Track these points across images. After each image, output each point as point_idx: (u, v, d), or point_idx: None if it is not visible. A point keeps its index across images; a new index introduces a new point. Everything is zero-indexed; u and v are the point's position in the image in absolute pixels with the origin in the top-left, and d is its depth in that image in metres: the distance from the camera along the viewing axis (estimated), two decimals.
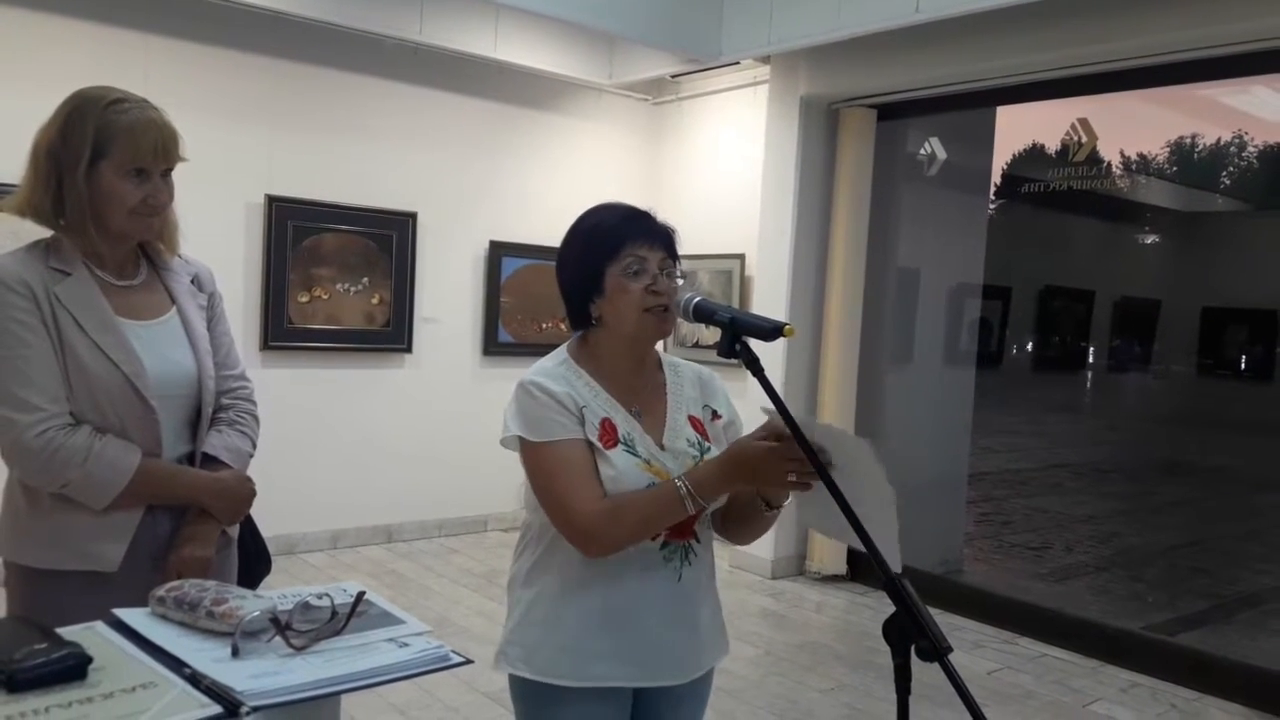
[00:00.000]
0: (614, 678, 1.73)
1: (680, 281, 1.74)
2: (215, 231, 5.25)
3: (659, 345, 1.86)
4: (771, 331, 1.56)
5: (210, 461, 1.91)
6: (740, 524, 1.84)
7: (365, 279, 5.89)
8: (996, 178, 6.72)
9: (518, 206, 6.48)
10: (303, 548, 5.77)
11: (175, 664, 1.25)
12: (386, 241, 5.94)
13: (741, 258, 6.27)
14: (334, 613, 1.38)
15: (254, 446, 2.02)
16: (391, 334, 6.03)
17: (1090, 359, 9.45)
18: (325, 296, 5.76)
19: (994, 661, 4.64)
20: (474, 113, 6.30)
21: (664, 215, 1.81)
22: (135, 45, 5.06)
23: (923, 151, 6.17)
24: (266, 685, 1.19)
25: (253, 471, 2.00)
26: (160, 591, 1.42)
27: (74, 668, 1.18)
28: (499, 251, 6.43)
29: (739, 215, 6.22)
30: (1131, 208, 8.38)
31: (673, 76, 6.72)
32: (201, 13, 5.17)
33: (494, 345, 6.46)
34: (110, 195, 1.76)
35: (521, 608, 1.79)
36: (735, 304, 6.08)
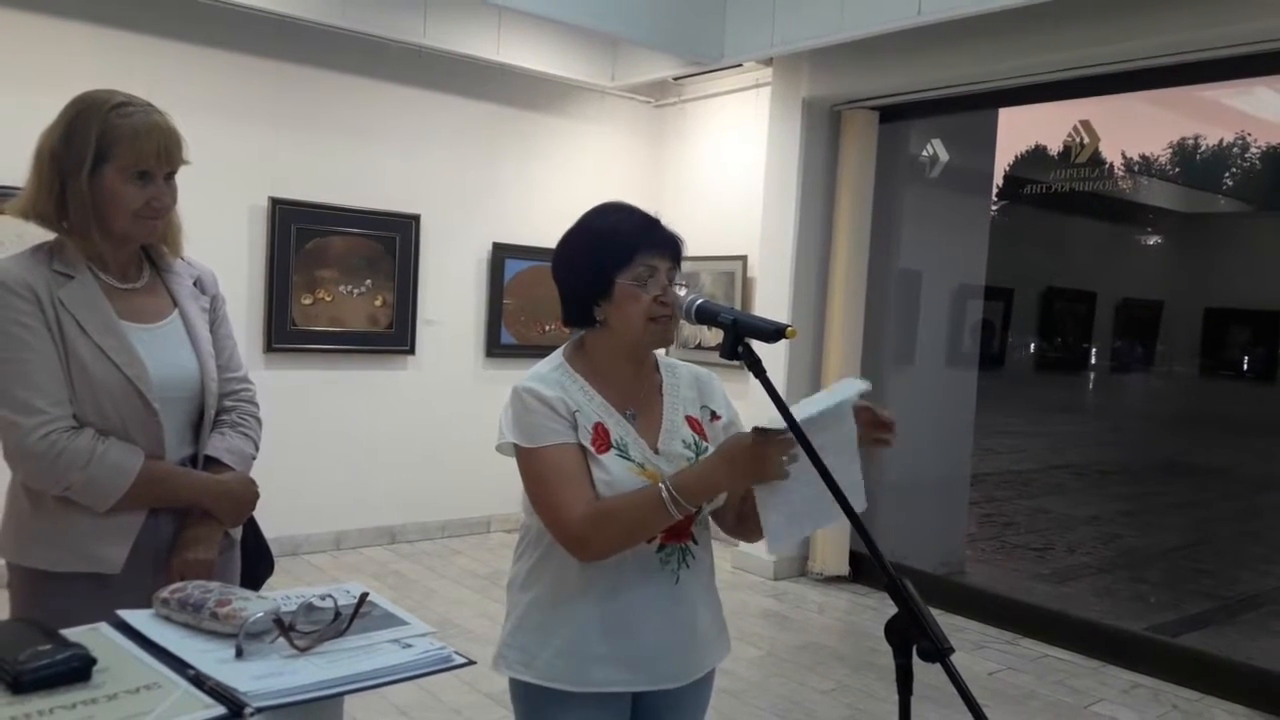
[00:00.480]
0: (613, 683, 1.73)
1: (683, 290, 1.74)
2: (219, 234, 5.26)
3: None
4: (773, 333, 1.56)
5: (213, 464, 1.92)
6: (746, 521, 1.82)
7: (368, 281, 5.90)
8: (999, 179, 6.72)
9: (521, 209, 6.48)
10: (306, 549, 5.78)
11: (179, 665, 1.26)
12: (390, 244, 5.95)
13: (744, 259, 6.28)
14: (337, 614, 1.38)
15: (256, 448, 2.02)
16: (394, 336, 6.04)
17: (1092, 360, 9.45)
18: (328, 298, 5.77)
19: (996, 662, 4.63)
20: (477, 115, 6.31)
21: (667, 217, 1.81)
22: (140, 48, 5.07)
23: (925, 153, 6.17)
24: (270, 686, 1.20)
25: (256, 473, 2.00)
26: (164, 593, 1.43)
27: (78, 669, 1.19)
28: (502, 253, 6.43)
29: (741, 217, 6.22)
30: (1134, 209, 8.38)
31: (675, 79, 6.73)
32: (206, 16, 5.18)
33: (497, 347, 6.46)
34: (113, 198, 1.76)
35: (520, 610, 1.80)
36: (737, 305, 6.09)
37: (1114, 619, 5.30)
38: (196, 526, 1.86)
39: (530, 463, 1.71)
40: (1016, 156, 6.96)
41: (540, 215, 6.40)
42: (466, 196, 6.31)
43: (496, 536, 6.42)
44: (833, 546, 5.70)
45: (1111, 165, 6.01)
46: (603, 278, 1.72)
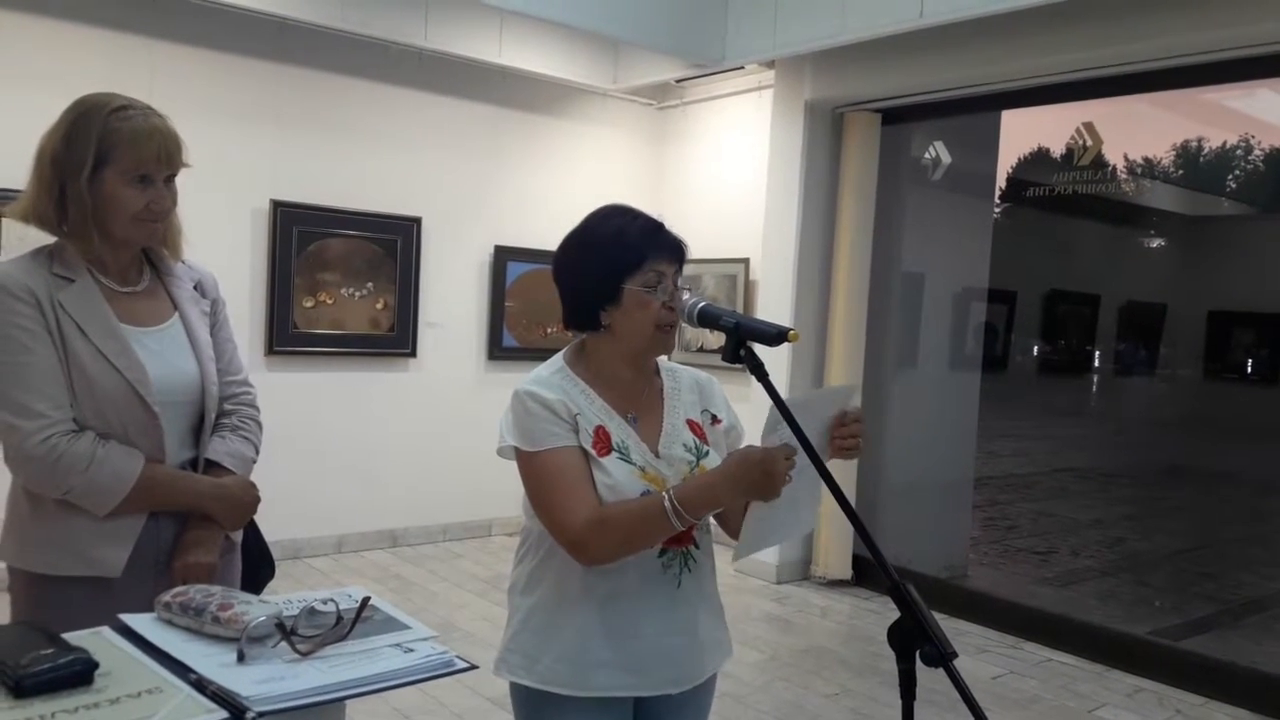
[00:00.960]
0: (614, 687, 1.73)
1: (686, 293, 1.74)
2: (221, 236, 5.26)
3: None
4: (776, 336, 1.56)
5: (213, 467, 1.91)
6: None
7: (370, 284, 5.90)
8: (1001, 182, 6.72)
9: (522, 211, 6.48)
10: (307, 552, 5.78)
11: (181, 669, 1.25)
12: (391, 246, 5.95)
13: (746, 262, 6.27)
14: (339, 618, 1.38)
15: (257, 452, 2.02)
16: (396, 339, 6.04)
17: (1096, 363, 9.44)
18: (330, 301, 5.77)
19: (999, 666, 4.63)
20: (479, 118, 6.31)
21: (669, 220, 1.81)
22: (141, 51, 5.08)
23: (927, 156, 6.17)
24: (272, 690, 1.19)
25: (257, 476, 2.00)
26: (166, 597, 1.43)
27: (80, 673, 1.19)
28: (504, 256, 6.43)
29: (744, 219, 6.22)
30: (1137, 212, 8.38)
31: (677, 81, 6.73)
32: (207, 18, 5.19)
33: (498, 350, 6.46)
34: (113, 202, 1.76)
35: (521, 614, 1.79)
36: (740, 308, 6.09)
37: (1118, 623, 5.29)
38: (197, 530, 1.86)
39: (531, 466, 1.70)
40: (1019, 159, 6.97)
41: (542, 218, 6.40)
42: (468, 199, 6.31)
43: (498, 539, 6.42)
44: (835, 550, 5.70)
45: (1114, 168, 6.01)
46: (611, 283, 1.71)
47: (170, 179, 1.83)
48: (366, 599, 1.45)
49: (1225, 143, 8.29)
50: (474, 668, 1.35)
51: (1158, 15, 4.26)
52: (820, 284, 5.82)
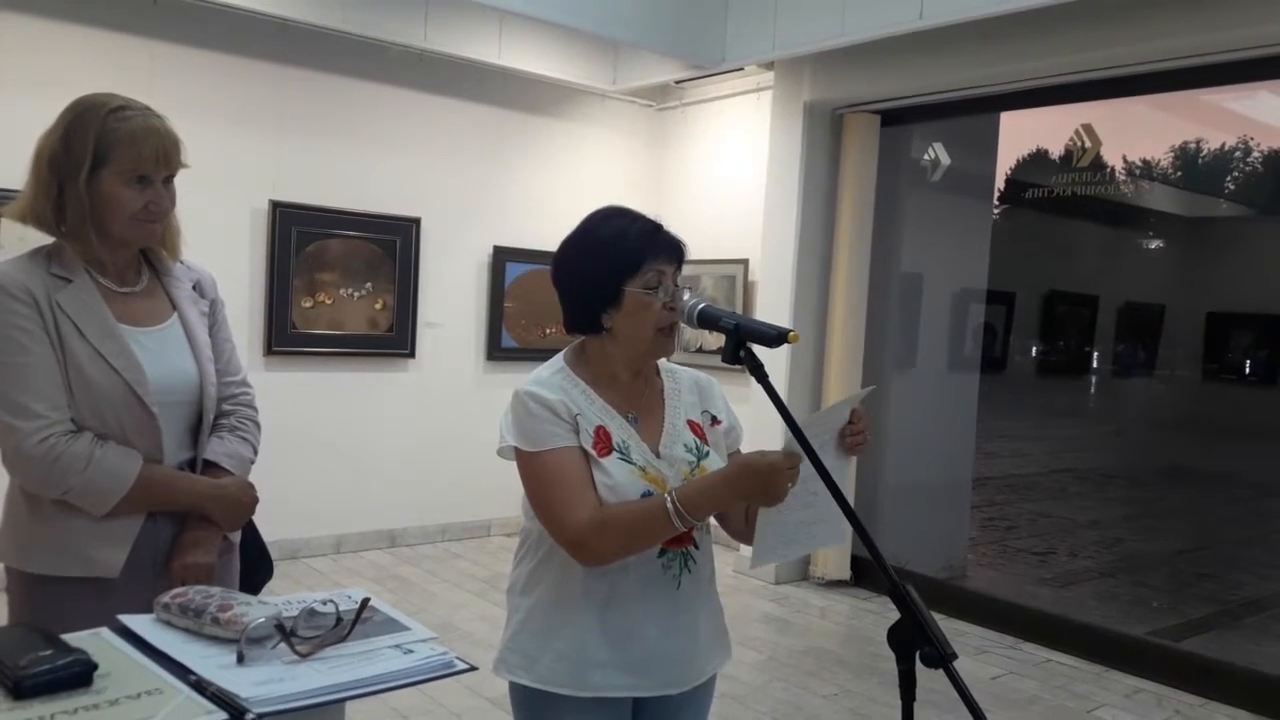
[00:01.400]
0: (614, 688, 1.73)
1: (686, 293, 1.74)
2: (220, 237, 5.26)
3: None
4: (775, 337, 1.56)
5: (212, 468, 1.91)
6: (753, 525, 1.82)
7: (369, 284, 5.90)
8: (1000, 183, 6.72)
9: (521, 212, 6.48)
10: (306, 553, 5.78)
11: (181, 670, 1.25)
12: (390, 247, 5.95)
13: (745, 263, 6.27)
14: (339, 619, 1.38)
15: (255, 452, 2.01)
16: (395, 339, 6.04)
17: (1094, 364, 9.44)
18: (329, 301, 5.77)
19: (998, 667, 4.63)
20: (478, 118, 6.31)
21: (668, 221, 1.81)
22: (140, 51, 5.07)
23: (926, 157, 6.17)
24: (272, 692, 1.19)
25: (255, 476, 2.00)
26: (165, 598, 1.42)
27: (80, 674, 1.18)
28: (503, 257, 6.43)
29: (743, 221, 6.22)
30: (1136, 213, 8.38)
31: (677, 82, 6.73)
32: (206, 19, 5.19)
33: (497, 350, 6.46)
34: (111, 202, 1.76)
35: (521, 614, 1.79)
36: (739, 309, 6.09)
37: (1116, 624, 5.29)
38: (195, 530, 1.85)
39: (532, 467, 1.70)
40: (1018, 160, 6.97)
41: (541, 219, 6.40)
42: (467, 200, 6.31)
43: (496, 540, 6.42)
44: (834, 551, 5.69)
45: (1113, 169, 6.01)
46: (611, 285, 1.71)
47: (169, 179, 1.83)
48: (366, 600, 1.44)
49: (1224, 144, 8.29)
50: (473, 669, 1.35)
51: (1157, 17, 4.26)
52: (819, 285, 5.82)
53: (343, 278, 5.81)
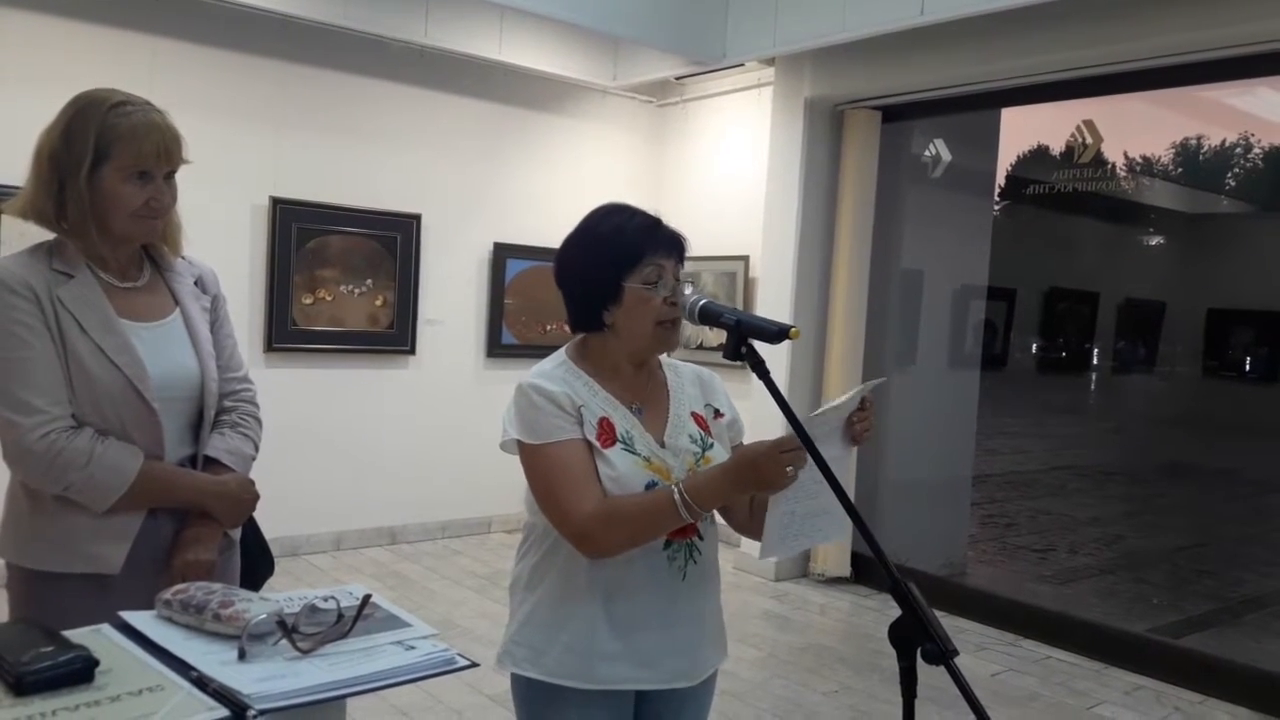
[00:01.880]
0: (621, 680, 1.73)
1: (688, 289, 1.74)
2: (220, 233, 5.25)
3: None
4: (776, 334, 1.56)
5: (212, 464, 1.91)
6: (757, 518, 1.81)
7: (369, 281, 5.90)
8: (1001, 179, 6.72)
9: (522, 208, 6.48)
10: (306, 549, 5.78)
11: (182, 667, 1.25)
12: (391, 243, 5.95)
13: (746, 259, 6.27)
14: (340, 615, 1.38)
15: (256, 449, 2.01)
16: (395, 336, 6.03)
17: (1095, 361, 9.43)
18: (329, 298, 5.77)
19: (998, 664, 4.63)
20: (478, 115, 6.31)
21: (668, 217, 1.81)
22: (141, 47, 5.07)
23: (927, 153, 6.17)
24: (273, 688, 1.19)
25: (256, 473, 2.00)
26: (166, 594, 1.42)
27: (81, 671, 1.18)
28: (503, 253, 6.43)
29: (743, 217, 6.21)
30: (1136, 209, 8.37)
31: (677, 78, 6.73)
32: (207, 15, 5.18)
33: (498, 347, 6.46)
34: (112, 198, 1.76)
35: (526, 609, 1.79)
36: (739, 306, 6.08)
37: (1116, 620, 5.29)
38: (196, 527, 1.85)
39: (536, 459, 1.70)
40: (1019, 156, 6.96)
41: (541, 215, 6.40)
42: (468, 196, 6.30)
43: (497, 537, 6.42)
44: (834, 548, 5.69)
45: (1114, 165, 6.00)
46: (611, 281, 1.71)
47: (170, 175, 1.83)
48: (367, 597, 1.44)
49: (1225, 140, 8.28)
50: (475, 665, 1.35)
51: (1158, 13, 4.26)
52: (820, 281, 5.82)
53: (343, 274, 5.80)
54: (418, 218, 6.03)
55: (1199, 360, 8.28)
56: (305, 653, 1.30)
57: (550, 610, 1.75)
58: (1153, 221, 8.77)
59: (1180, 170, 8.47)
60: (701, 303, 1.68)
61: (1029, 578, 6.60)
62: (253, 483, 1.96)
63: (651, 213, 1.79)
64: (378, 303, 5.95)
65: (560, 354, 1.82)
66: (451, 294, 6.27)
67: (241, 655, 1.27)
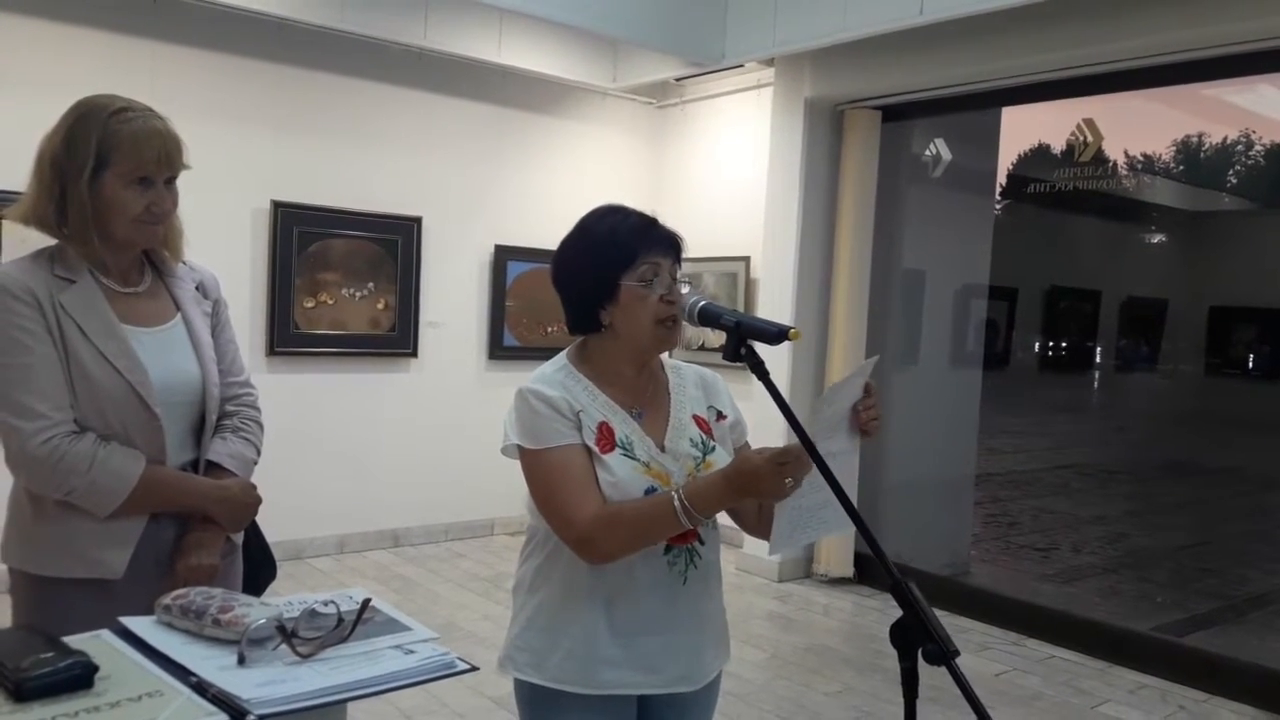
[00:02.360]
0: (623, 685, 1.73)
1: (686, 288, 1.74)
2: (221, 237, 5.26)
3: None
4: (776, 335, 1.55)
5: (214, 469, 1.91)
6: (768, 519, 1.80)
7: (370, 284, 5.90)
8: (1002, 178, 6.71)
9: (522, 210, 6.48)
10: (309, 553, 5.78)
11: (181, 672, 1.25)
12: (392, 246, 5.95)
13: (746, 260, 6.27)
14: (340, 620, 1.38)
15: (258, 453, 2.01)
16: (397, 339, 6.04)
17: (1097, 359, 9.42)
18: (331, 301, 5.77)
19: (1002, 663, 4.62)
20: (478, 117, 6.31)
21: (669, 219, 1.81)
22: (141, 52, 5.07)
23: (928, 153, 6.16)
24: (273, 693, 1.19)
25: (259, 476, 2.00)
26: (166, 600, 1.42)
27: (80, 677, 1.18)
28: (504, 255, 6.43)
29: (744, 218, 6.21)
30: (1138, 207, 8.36)
31: (677, 80, 6.72)
32: (207, 20, 5.19)
33: (499, 349, 6.46)
34: (114, 204, 1.76)
35: (527, 612, 1.79)
36: (740, 307, 6.09)
37: (1120, 619, 5.28)
38: (199, 531, 1.86)
39: (536, 465, 1.70)
40: (1019, 155, 6.95)
41: (542, 217, 6.40)
42: (468, 199, 6.31)
43: (500, 539, 6.42)
44: (837, 548, 5.69)
45: (1115, 164, 5.99)
46: (606, 281, 1.71)
47: (171, 181, 1.83)
48: (367, 600, 1.44)
49: (1226, 138, 8.27)
50: (475, 669, 1.35)
51: (1157, 11, 4.25)
52: (821, 282, 5.82)
53: (344, 277, 5.81)
54: (418, 220, 6.04)
55: (1201, 358, 8.27)
56: (305, 657, 1.30)
57: (552, 614, 1.75)
58: (1154, 219, 8.76)
59: (1181, 168, 8.46)
60: (701, 304, 1.68)
61: (1032, 577, 6.59)
62: (254, 487, 1.96)
63: (648, 213, 1.79)
64: (379, 306, 5.95)
65: (561, 358, 1.82)
66: (453, 296, 6.28)
67: (241, 660, 1.27)
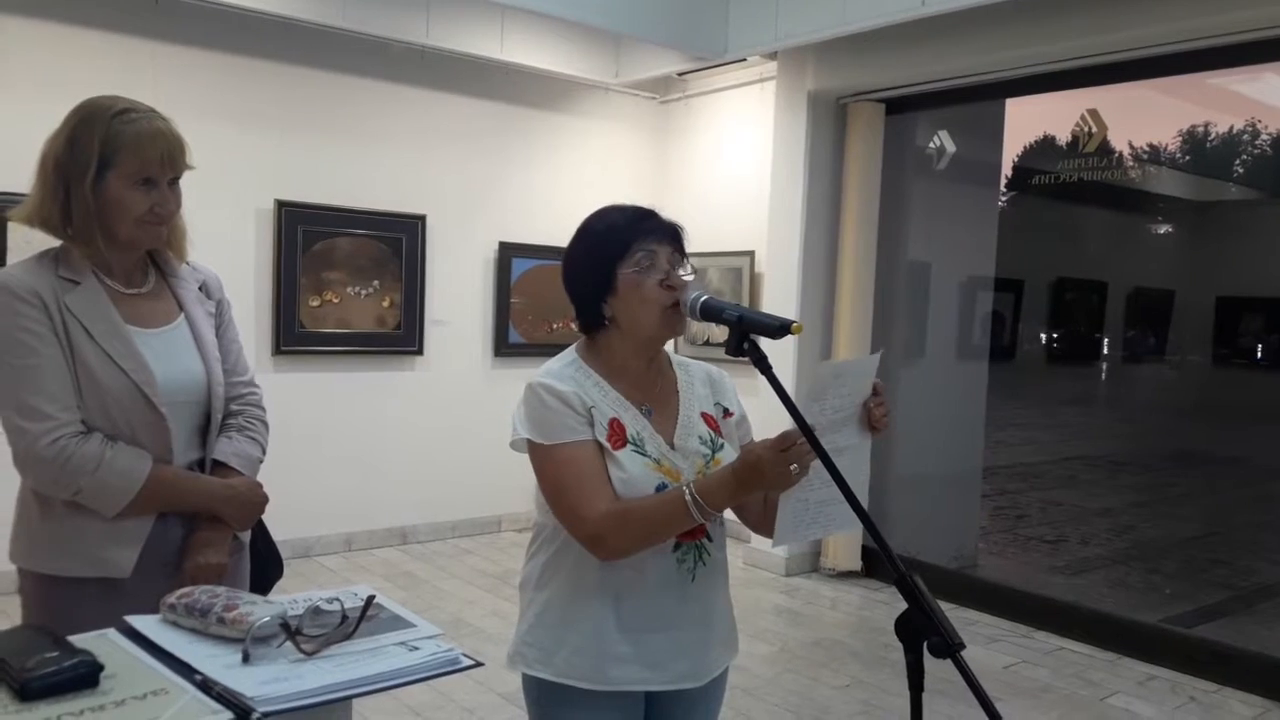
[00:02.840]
0: (631, 681, 1.73)
1: (691, 275, 1.73)
2: (226, 237, 5.27)
3: (668, 345, 1.85)
4: (778, 329, 1.55)
5: (220, 468, 1.92)
6: (771, 516, 1.80)
7: (375, 282, 5.91)
8: (1007, 170, 6.68)
9: (527, 207, 6.48)
10: (317, 551, 5.79)
11: (187, 671, 1.25)
12: (396, 244, 5.95)
13: (751, 254, 6.26)
14: (344, 617, 1.38)
15: (264, 452, 2.02)
16: (402, 336, 6.04)
17: (1104, 350, 9.39)
18: (336, 300, 5.77)
19: (1011, 655, 4.62)
20: (481, 114, 6.31)
21: (673, 213, 1.81)
22: (144, 53, 5.08)
23: (932, 145, 6.15)
24: (277, 691, 1.19)
25: (266, 475, 2.00)
26: (171, 598, 1.43)
27: (86, 676, 1.19)
28: (508, 252, 6.43)
29: (748, 212, 6.21)
30: (1143, 198, 8.33)
31: (679, 74, 6.72)
32: (209, 20, 5.19)
33: (505, 346, 6.46)
34: (117, 205, 1.77)
35: (536, 607, 1.79)
36: (745, 301, 6.08)
37: (1129, 611, 5.27)
38: (206, 530, 1.87)
39: (547, 460, 1.70)
40: (1024, 147, 6.92)
41: (546, 213, 6.40)
42: (472, 196, 6.31)
43: (507, 535, 6.42)
44: (844, 542, 5.69)
45: (1120, 154, 5.96)
46: (604, 272, 1.72)
47: (174, 181, 1.84)
48: (371, 598, 1.45)
49: (1232, 127, 8.23)
50: (479, 665, 1.35)
51: (1162, 0, 4.23)
52: (826, 275, 5.81)
53: (349, 276, 5.81)
54: (423, 218, 6.04)
55: (1209, 348, 8.23)
56: (309, 655, 1.30)
57: (560, 610, 1.75)
58: (1160, 210, 8.72)
59: (1187, 158, 8.42)
60: (703, 299, 1.68)
61: (1040, 569, 6.58)
62: (261, 485, 1.97)
63: (646, 206, 1.79)
64: (384, 304, 5.96)
65: (570, 352, 1.82)
66: (458, 294, 6.28)
67: (246, 658, 1.28)
